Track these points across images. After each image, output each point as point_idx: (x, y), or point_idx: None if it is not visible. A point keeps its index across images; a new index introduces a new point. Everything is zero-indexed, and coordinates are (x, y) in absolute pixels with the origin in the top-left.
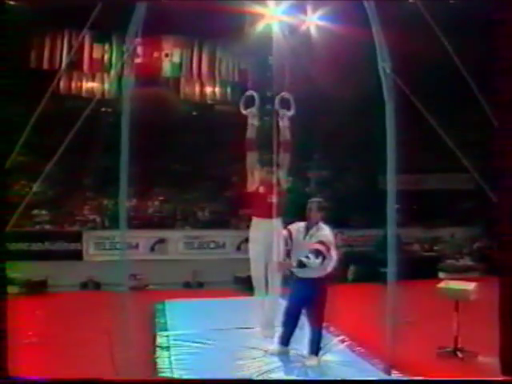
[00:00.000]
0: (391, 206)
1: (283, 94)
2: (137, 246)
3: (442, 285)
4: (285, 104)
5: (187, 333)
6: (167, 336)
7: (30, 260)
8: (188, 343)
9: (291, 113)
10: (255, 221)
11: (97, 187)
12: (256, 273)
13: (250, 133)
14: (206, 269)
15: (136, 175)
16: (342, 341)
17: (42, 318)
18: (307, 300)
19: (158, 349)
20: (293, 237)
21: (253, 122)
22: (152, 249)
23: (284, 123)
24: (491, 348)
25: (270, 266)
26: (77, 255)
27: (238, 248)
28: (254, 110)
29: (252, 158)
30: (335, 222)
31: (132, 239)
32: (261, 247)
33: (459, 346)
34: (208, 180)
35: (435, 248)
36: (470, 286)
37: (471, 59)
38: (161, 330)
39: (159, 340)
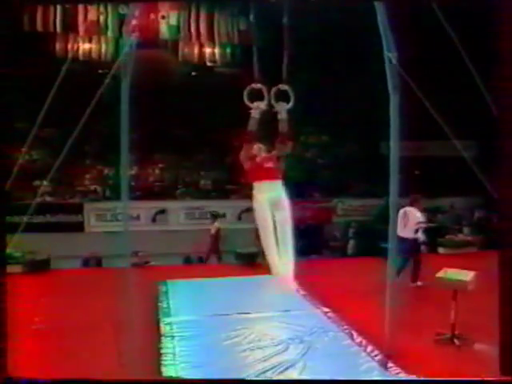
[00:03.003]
0: (394, 185)
1: (280, 85)
2: (138, 217)
3: (440, 274)
4: (283, 96)
5: (191, 319)
6: (170, 324)
7: (30, 232)
8: (192, 331)
9: (290, 105)
10: (257, 185)
11: (96, 154)
12: (266, 240)
13: (252, 125)
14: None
15: (135, 141)
16: (341, 328)
17: (46, 300)
18: (410, 248)
19: (162, 338)
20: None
21: (255, 115)
22: (153, 220)
23: (282, 115)
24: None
25: (279, 222)
26: (78, 227)
27: (239, 218)
28: (262, 105)
29: (248, 149)
30: (336, 190)
31: (133, 210)
32: (266, 205)
33: (456, 332)
34: (208, 145)
35: (435, 219)
36: (468, 276)
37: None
38: (164, 316)
39: (163, 328)
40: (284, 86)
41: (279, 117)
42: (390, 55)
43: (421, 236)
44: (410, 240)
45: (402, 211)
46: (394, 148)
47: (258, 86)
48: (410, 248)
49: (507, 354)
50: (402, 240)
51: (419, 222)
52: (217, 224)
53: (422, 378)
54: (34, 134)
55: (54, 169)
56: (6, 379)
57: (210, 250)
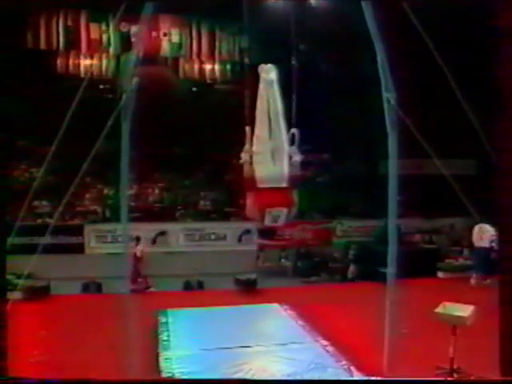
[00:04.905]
0: (392, 207)
1: (292, 130)
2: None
3: (439, 309)
4: (293, 139)
5: (191, 354)
6: (170, 359)
7: (30, 254)
8: (192, 367)
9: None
10: None
11: (96, 174)
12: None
13: (247, 171)
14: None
15: (135, 160)
16: (339, 363)
17: (45, 332)
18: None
19: (161, 374)
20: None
21: (246, 158)
22: (153, 241)
23: (295, 158)
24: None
25: None
26: (79, 249)
27: (239, 240)
28: (251, 149)
29: (251, 197)
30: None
31: (133, 232)
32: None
33: (455, 367)
34: (209, 163)
35: (435, 240)
36: (467, 311)
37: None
38: (164, 349)
39: (163, 364)
40: (294, 130)
41: (292, 159)
42: (389, 96)
43: (494, 245)
44: (487, 248)
45: (477, 227)
46: (392, 184)
47: (247, 129)
48: (487, 254)
49: (507, 354)
50: (480, 249)
51: (493, 235)
52: (140, 247)
53: (421, 379)
54: (52, 153)
55: (65, 198)
56: (5, 379)
57: (133, 273)
